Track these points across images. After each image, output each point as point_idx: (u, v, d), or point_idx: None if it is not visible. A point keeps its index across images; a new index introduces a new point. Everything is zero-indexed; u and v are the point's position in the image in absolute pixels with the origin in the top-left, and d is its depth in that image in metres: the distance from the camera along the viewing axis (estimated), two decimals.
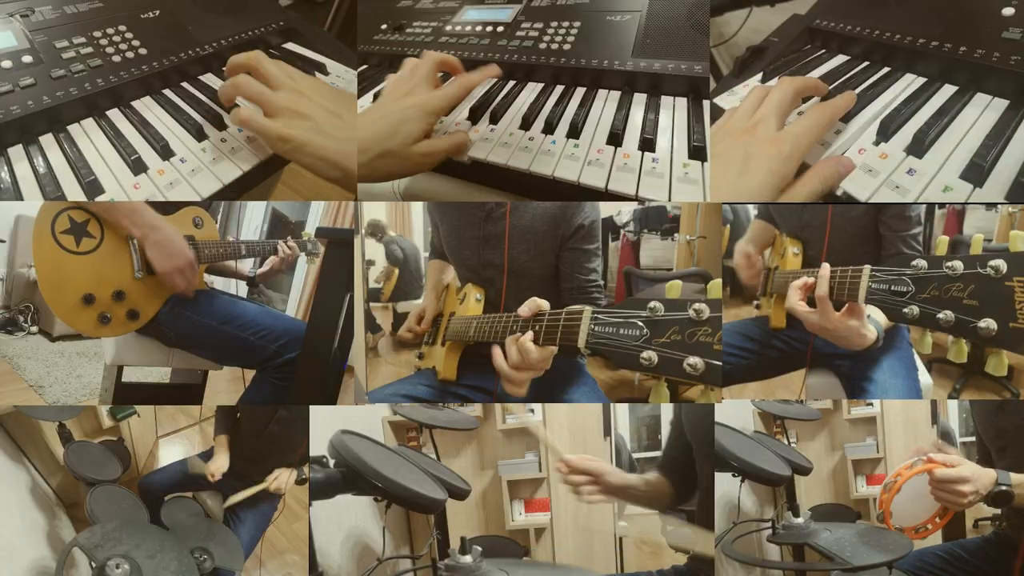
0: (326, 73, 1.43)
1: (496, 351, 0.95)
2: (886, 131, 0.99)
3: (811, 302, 1.00)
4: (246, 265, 1.90)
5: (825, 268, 0.98)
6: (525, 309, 0.93)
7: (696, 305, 0.70)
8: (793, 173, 0.92)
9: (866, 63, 1.18)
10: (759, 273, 1.58)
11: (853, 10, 1.25)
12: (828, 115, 0.98)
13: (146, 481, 1.55)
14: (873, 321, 1.02)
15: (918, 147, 0.94)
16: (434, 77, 1.10)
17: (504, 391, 1.30)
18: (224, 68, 1.13)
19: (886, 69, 1.14)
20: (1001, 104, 0.97)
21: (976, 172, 0.88)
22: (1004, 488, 0.99)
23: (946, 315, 0.78)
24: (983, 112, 0.97)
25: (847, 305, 0.97)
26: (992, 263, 0.74)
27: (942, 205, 2.51)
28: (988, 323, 0.74)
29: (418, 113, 1.03)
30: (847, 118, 1.05)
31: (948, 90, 1.04)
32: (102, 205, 1.35)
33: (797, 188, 0.91)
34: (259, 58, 1.08)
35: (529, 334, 0.90)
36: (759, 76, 1.26)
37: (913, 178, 0.92)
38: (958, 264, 0.77)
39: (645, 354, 0.73)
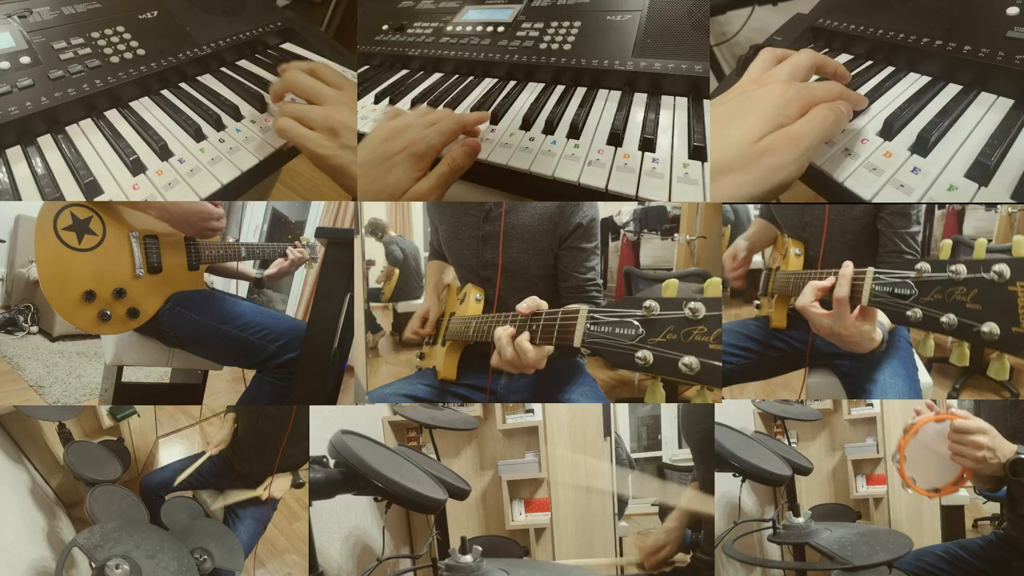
0: None
1: (495, 353, 0.95)
2: (890, 130, 0.98)
3: (823, 304, 0.98)
4: (251, 266, 1.90)
5: (848, 267, 0.95)
6: (524, 305, 0.92)
7: (692, 304, 0.70)
8: (792, 121, 0.87)
9: (870, 62, 1.18)
10: (743, 272, 1.57)
11: (856, 9, 1.24)
12: (839, 89, 0.96)
13: (147, 480, 1.55)
14: (880, 324, 1.02)
15: (922, 146, 0.94)
16: (431, 122, 1.03)
17: (501, 390, 1.31)
18: (228, 67, 1.11)
19: (890, 68, 1.14)
20: (1006, 103, 0.97)
21: (981, 171, 0.88)
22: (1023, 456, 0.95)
23: (949, 318, 0.78)
24: (987, 111, 0.97)
25: (859, 308, 0.95)
26: (996, 268, 0.74)
27: (943, 205, 2.51)
28: (991, 327, 0.74)
29: (405, 161, 0.98)
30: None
31: (952, 89, 1.03)
32: (107, 204, 1.35)
33: (802, 122, 0.87)
34: (300, 73, 1.12)
35: (526, 334, 0.90)
36: (770, 48, 1.25)
37: (917, 177, 0.92)
38: (961, 268, 0.77)
39: (640, 353, 0.72)
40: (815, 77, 1.03)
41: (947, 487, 1.06)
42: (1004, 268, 0.73)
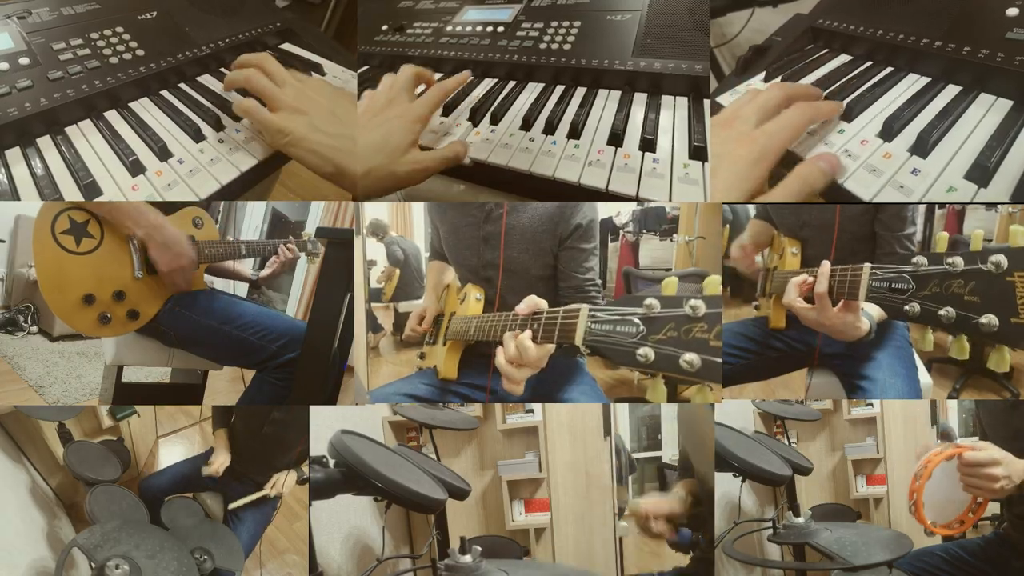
0: (323, 74, 1.43)
1: (498, 351, 0.95)
2: (890, 131, 0.98)
3: (809, 299, 1.03)
4: (247, 267, 1.90)
5: (825, 266, 1.00)
6: (523, 306, 0.93)
7: (692, 301, 0.70)
8: (765, 174, 0.89)
9: (869, 63, 1.18)
10: (755, 264, 1.57)
11: (856, 10, 1.24)
12: (808, 116, 0.96)
13: (146, 484, 1.55)
14: (866, 314, 1.05)
15: (922, 147, 0.94)
16: (412, 89, 1.12)
17: (501, 389, 1.31)
18: (227, 68, 1.13)
19: (889, 69, 1.14)
20: (1005, 104, 0.97)
21: (981, 172, 0.88)
22: None
23: (947, 312, 0.77)
24: (987, 112, 0.97)
25: (843, 301, 0.99)
26: (993, 258, 0.73)
27: (943, 205, 2.51)
28: (989, 319, 0.73)
29: (401, 123, 1.04)
30: (849, 117, 1.04)
31: (952, 90, 1.03)
32: (104, 205, 1.35)
33: (776, 193, 0.89)
34: (266, 58, 1.14)
35: (527, 332, 0.90)
36: (761, 75, 1.25)
37: (917, 178, 0.92)
38: (958, 260, 0.77)
39: (641, 351, 0.72)
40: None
41: (966, 517, 1.03)
42: (1001, 258, 0.73)
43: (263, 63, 1.12)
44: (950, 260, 0.78)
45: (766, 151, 0.89)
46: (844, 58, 1.23)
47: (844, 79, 1.15)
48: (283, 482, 1.48)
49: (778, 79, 1.21)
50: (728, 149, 0.89)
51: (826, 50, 1.28)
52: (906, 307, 0.82)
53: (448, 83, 1.17)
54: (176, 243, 1.41)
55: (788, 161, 0.96)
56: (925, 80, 1.08)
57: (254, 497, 1.48)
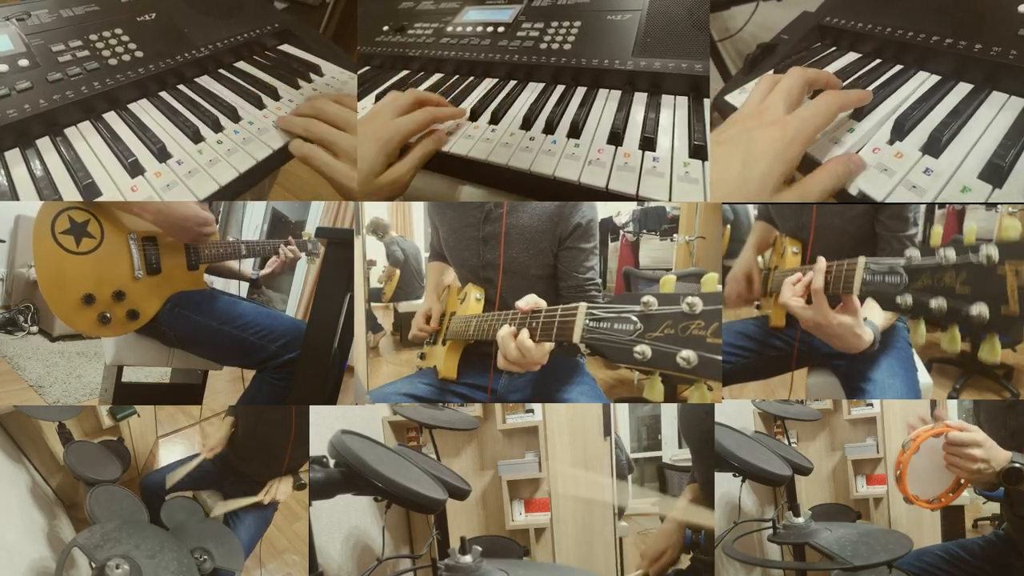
0: (321, 75, 1.43)
1: (499, 355, 0.96)
2: (901, 130, 0.97)
3: (808, 299, 1.01)
4: (248, 267, 1.91)
5: (821, 261, 0.98)
6: (523, 303, 0.93)
7: (689, 299, 0.70)
8: (798, 159, 0.90)
9: (878, 61, 1.16)
10: (750, 298, 1.56)
11: (864, 7, 1.23)
12: (838, 103, 0.96)
13: (148, 480, 1.55)
14: (870, 324, 1.03)
15: (934, 146, 0.93)
16: (400, 110, 1.10)
17: (501, 388, 1.31)
18: (225, 69, 1.11)
19: (898, 67, 1.12)
20: (1018, 103, 0.95)
21: (995, 172, 0.87)
22: (1018, 465, 0.97)
23: (939, 302, 0.78)
24: (1000, 111, 0.95)
25: (842, 301, 0.98)
26: (984, 250, 0.74)
27: (943, 205, 2.50)
28: (980, 309, 0.73)
29: (374, 140, 1.04)
30: (859, 116, 1.03)
31: (963, 88, 1.02)
32: (101, 203, 1.35)
33: (808, 185, 0.90)
34: (325, 103, 1.15)
35: (525, 332, 0.91)
36: (770, 74, 1.25)
37: (930, 178, 0.90)
38: (950, 253, 0.78)
39: (638, 348, 0.72)
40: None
41: (946, 496, 1.07)
42: (993, 250, 0.73)
43: (324, 109, 1.13)
44: (942, 253, 0.78)
45: (800, 133, 0.90)
46: (852, 56, 1.21)
47: (853, 77, 1.13)
48: (276, 488, 1.48)
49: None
50: (762, 133, 0.90)
51: (834, 48, 1.26)
52: (898, 299, 0.83)
53: (441, 110, 1.15)
54: (187, 217, 1.41)
55: (805, 163, 0.96)
56: (935, 78, 1.06)
57: (248, 502, 1.48)
